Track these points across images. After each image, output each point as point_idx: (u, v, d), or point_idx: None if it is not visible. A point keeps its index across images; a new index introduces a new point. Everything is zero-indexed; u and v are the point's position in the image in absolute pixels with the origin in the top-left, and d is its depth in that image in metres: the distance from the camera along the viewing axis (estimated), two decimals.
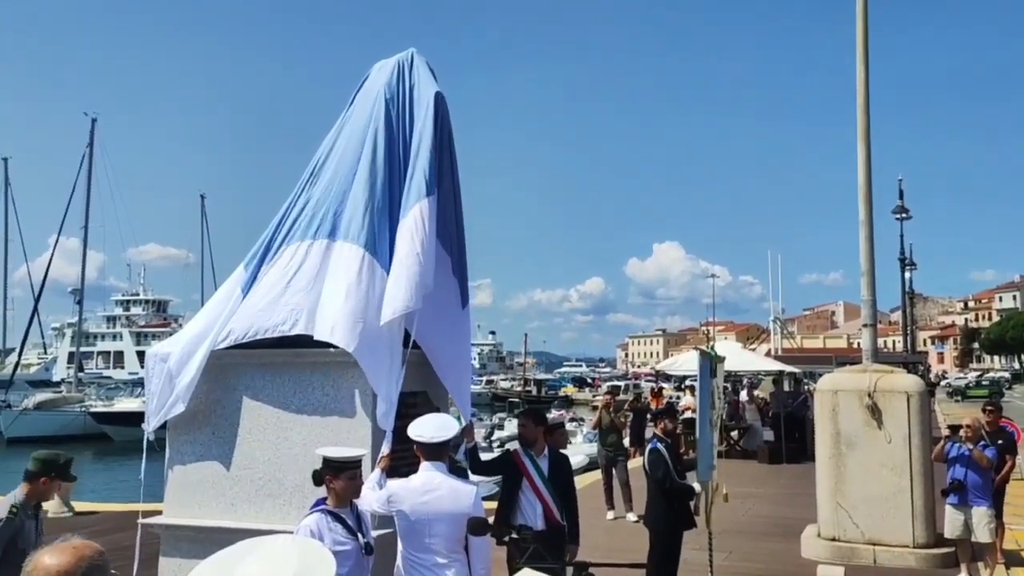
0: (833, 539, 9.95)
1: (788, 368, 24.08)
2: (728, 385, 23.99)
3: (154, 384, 5.89)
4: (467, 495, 4.43)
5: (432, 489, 4.39)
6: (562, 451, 6.74)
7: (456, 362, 6.07)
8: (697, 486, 7.37)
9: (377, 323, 5.34)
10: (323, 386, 5.64)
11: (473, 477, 6.06)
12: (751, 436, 21.16)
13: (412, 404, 5.84)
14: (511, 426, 35.56)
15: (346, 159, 6.11)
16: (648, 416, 17.88)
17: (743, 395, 23.64)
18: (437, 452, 4.53)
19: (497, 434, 32.58)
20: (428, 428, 4.54)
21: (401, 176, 5.87)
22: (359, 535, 4.25)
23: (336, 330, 5.33)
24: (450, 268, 5.97)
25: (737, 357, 21.66)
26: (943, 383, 76.69)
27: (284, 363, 5.71)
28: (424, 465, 4.51)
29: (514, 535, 4.24)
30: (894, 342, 76.76)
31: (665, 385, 35.02)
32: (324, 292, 5.58)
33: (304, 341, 5.63)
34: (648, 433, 14.68)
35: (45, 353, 79.17)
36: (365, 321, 5.35)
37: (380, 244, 5.66)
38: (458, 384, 6.16)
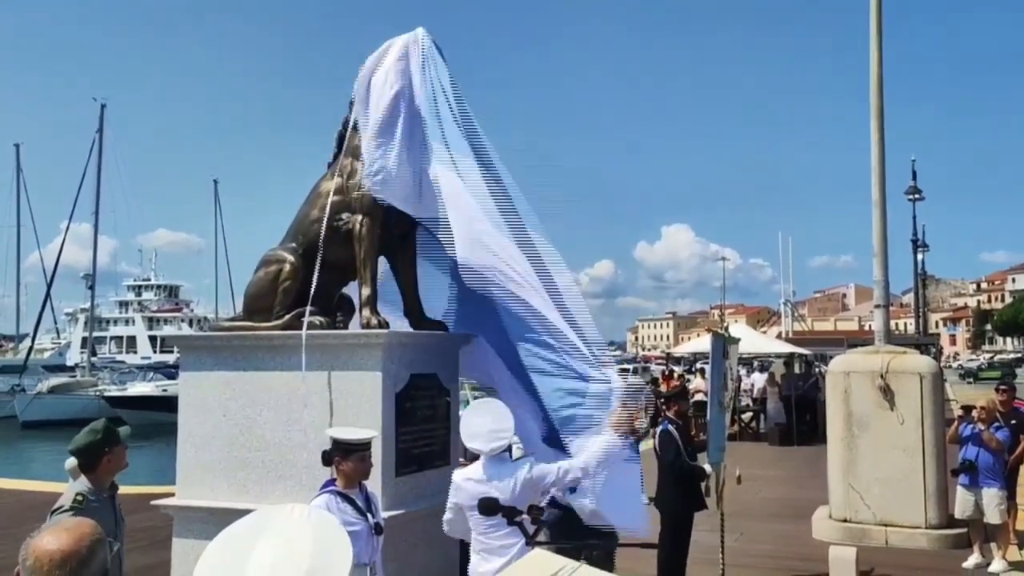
0: (845, 520, 9.93)
1: (799, 350, 23.99)
2: (740, 368, 23.92)
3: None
4: (514, 481, 4.49)
5: (485, 479, 4.49)
6: None
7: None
8: (708, 468, 7.36)
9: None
10: (333, 368, 5.65)
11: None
12: (770, 418, 20.97)
13: (422, 387, 5.84)
14: None
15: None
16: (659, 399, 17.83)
17: (755, 376, 23.59)
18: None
19: None
20: (481, 438, 4.54)
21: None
22: (368, 516, 4.26)
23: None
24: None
25: (748, 339, 21.52)
26: (955, 364, 76.31)
27: (295, 345, 5.71)
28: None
29: (525, 516, 4.24)
30: (906, 324, 76.40)
31: (676, 368, 34.92)
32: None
33: (315, 323, 5.64)
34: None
35: (59, 338, 79.48)
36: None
37: None
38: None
